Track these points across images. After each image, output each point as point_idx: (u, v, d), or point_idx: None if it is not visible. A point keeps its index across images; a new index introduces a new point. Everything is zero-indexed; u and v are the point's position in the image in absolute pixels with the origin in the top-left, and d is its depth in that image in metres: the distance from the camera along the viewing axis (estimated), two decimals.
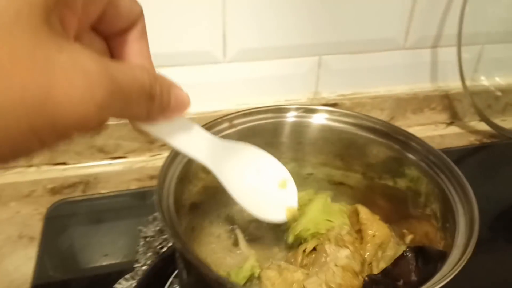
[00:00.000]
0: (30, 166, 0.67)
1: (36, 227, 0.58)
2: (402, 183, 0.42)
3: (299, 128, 0.44)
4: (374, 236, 0.41)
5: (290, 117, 0.44)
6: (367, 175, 0.44)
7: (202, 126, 0.42)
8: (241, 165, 0.36)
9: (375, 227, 0.41)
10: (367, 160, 0.44)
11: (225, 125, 0.42)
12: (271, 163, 0.39)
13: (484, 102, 0.80)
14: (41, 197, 0.63)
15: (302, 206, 0.43)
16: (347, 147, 0.44)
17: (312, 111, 0.44)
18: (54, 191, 0.64)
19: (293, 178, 0.47)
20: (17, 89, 0.17)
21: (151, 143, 0.71)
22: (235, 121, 0.43)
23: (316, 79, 0.73)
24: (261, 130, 0.42)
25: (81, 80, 0.19)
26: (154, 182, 0.66)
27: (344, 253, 0.37)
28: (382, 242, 0.42)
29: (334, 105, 0.75)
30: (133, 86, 0.23)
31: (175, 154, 0.38)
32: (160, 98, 0.26)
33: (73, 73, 0.19)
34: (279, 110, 0.44)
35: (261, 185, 0.37)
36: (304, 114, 0.44)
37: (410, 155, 0.41)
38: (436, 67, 0.78)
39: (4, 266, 0.53)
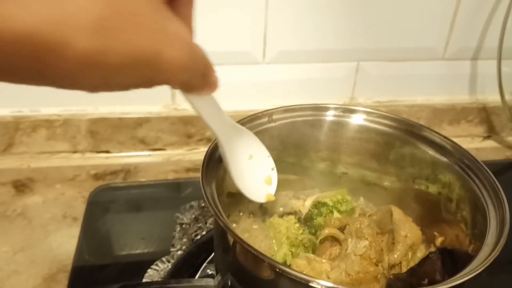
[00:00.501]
0: (75, 152, 0.71)
1: (79, 208, 0.62)
2: (435, 187, 0.43)
3: (336, 127, 0.46)
4: (405, 237, 0.42)
5: (329, 115, 0.46)
6: (401, 177, 0.45)
7: (243, 118, 0.45)
8: (240, 146, 0.41)
9: (408, 228, 0.42)
10: (402, 163, 0.45)
11: (265, 119, 0.44)
12: (263, 155, 0.43)
13: None
14: (85, 182, 0.67)
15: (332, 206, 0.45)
16: (383, 148, 0.45)
17: (351, 111, 0.46)
18: (97, 176, 0.68)
19: (327, 176, 0.49)
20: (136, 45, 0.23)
21: (189, 138, 0.73)
22: (275, 116, 0.45)
23: (353, 84, 0.75)
24: (300, 127, 0.44)
25: (181, 47, 0.26)
26: (190, 175, 0.69)
27: (363, 243, 0.39)
28: (413, 244, 0.42)
29: None
30: (201, 59, 0.29)
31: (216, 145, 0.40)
32: (206, 74, 0.31)
33: (177, 41, 0.25)
34: (319, 108, 0.46)
35: (250, 169, 0.42)
36: (342, 113, 0.46)
37: (444, 158, 0.42)
38: (475, 79, 0.77)
39: (49, 242, 0.57)
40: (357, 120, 0.45)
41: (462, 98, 0.78)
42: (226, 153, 0.39)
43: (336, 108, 0.46)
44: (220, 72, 0.68)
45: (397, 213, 0.44)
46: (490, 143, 0.81)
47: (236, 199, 0.45)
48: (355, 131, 0.46)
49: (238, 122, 0.43)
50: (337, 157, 0.48)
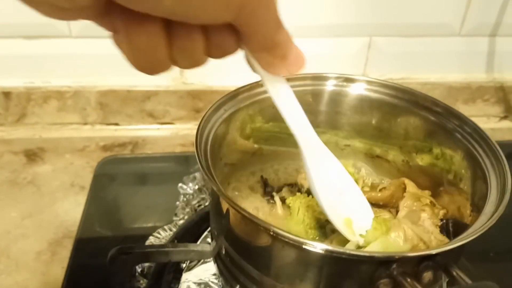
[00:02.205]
0: (85, 124, 0.72)
1: (87, 178, 0.63)
2: (437, 158, 0.42)
3: (337, 97, 0.45)
4: None
5: (330, 85, 0.45)
6: (404, 149, 0.44)
7: (241, 87, 0.44)
8: (330, 174, 0.37)
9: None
10: (404, 133, 0.44)
11: (263, 88, 0.43)
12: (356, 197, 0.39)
13: None
14: (93, 152, 0.68)
15: None
16: (385, 119, 0.44)
17: (351, 80, 0.44)
18: (105, 148, 0.69)
19: (331, 148, 0.48)
20: None
21: (197, 112, 0.73)
22: None
23: (365, 60, 0.73)
24: (300, 97, 0.43)
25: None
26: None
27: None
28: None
29: None
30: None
31: (215, 109, 0.40)
32: (283, 44, 0.27)
33: None
34: (319, 78, 0.45)
35: (336, 203, 0.38)
36: (343, 83, 0.45)
37: (445, 126, 0.40)
38: (492, 56, 0.75)
39: (56, 209, 0.58)
40: (357, 90, 0.44)
41: (479, 76, 0.76)
42: (311, 174, 0.35)
43: (336, 78, 0.45)
44: None
45: (411, 186, 0.43)
46: (506, 124, 0.78)
47: (235, 169, 0.45)
48: (356, 101, 0.44)
49: (236, 90, 0.43)
50: (340, 128, 0.47)
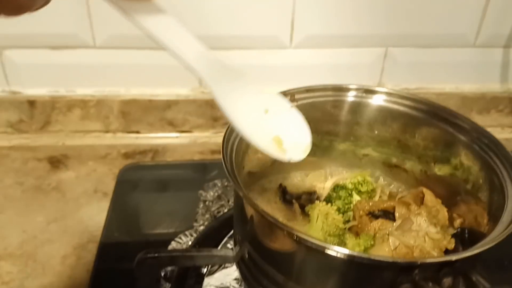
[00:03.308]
0: (107, 132, 0.74)
1: (109, 184, 0.65)
2: (455, 168, 0.43)
3: (357, 108, 0.46)
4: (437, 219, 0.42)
5: (350, 96, 0.46)
6: (422, 159, 0.45)
7: None
8: (245, 95, 0.34)
9: (439, 209, 0.42)
10: (423, 144, 0.45)
11: (287, 98, 0.45)
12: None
13: None
14: (115, 160, 0.70)
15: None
16: (404, 130, 0.45)
17: (372, 92, 0.46)
18: (127, 155, 0.71)
19: (349, 157, 0.49)
20: None
21: (215, 121, 0.75)
22: (297, 96, 0.45)
23: (380, 70, 0.74)
24: (321, 107, 0.44)
25: None
26: (215, 156, 0.71)
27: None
28: (441, 226, 0.42)
29: None
30: None
31: None
32: None
33: None
34: (340, 89, 0.46)
35: (259, 124, 0.35)
36: (363, 94, 0.46)
37: (463, 138, 0.41)
38: (507, 67, 0.76)
39: (80, 215, 0.60)
40: (377, 101, 0.45)
41: (493, 86, 0.77)
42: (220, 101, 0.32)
43: (357, 89, 0.46)
44: (247, 56, 0.71)
45: (429, 195, 0.43)
46: None
47: (256, 177, 0.46)
48: (376, 112, 0.46)
49: None
50: (359, 138, 0.48)
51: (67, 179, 0.66)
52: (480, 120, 0.78)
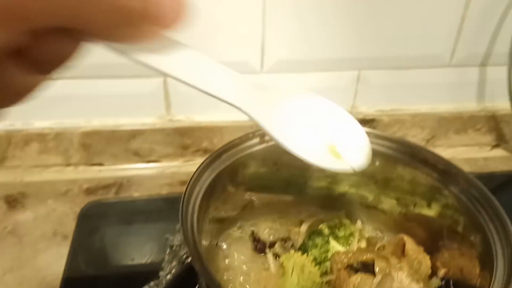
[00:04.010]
0: (68, 165, 0.69)
1: (70, 225, 0.60)
2: (438, 214, 0.40)
3: None
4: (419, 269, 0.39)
5: None
6: (401, 201, 0.43)
7: (232, 141, 0.42)
8: (287, 109, 0.29)
9: (420, 259, 0.39)
10: (402, 186, 0.42)
11: (256, 140, 0.41)
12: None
13: None
14: (77, 196, 0.65)
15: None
16: (381, 170, 0.42)
17: None
18: (89, 191, 0.66)
19: (324, 198, 0.46)
20: None
21: (185, 149, 0.71)
22: (267, 137, 0.42)
23: (354, 93, 0.72)
24: None
25: None
26: (184, 188, 0.67)
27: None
28: (425, 275, 0.40)
29: (372, 120, 0.73)
30: None
31: (202, 170, 0.38)
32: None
33: None
34: None
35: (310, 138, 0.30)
36: None
37: (449, 186, 0.39)
38: (483, 86, 0.74)
39: (38, 262, 0.55)
40: None
41: (470, 105, 0.75)
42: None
43: None
44: None
45: (410, 243, 0.41)
46: (499, 152, 0.77)
47: (226, 225, 0.43)
48: None
49: (226, 145, 0.41)
50: (334, 177, 0.45)
51: (25, 221, 0.61)
52: (457, 139, 0.77)
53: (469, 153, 0.77)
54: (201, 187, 0.36)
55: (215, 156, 0.39)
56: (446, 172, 0.39)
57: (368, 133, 0.42)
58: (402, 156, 0.41)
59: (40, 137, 0.67)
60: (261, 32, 0.64)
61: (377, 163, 0.41)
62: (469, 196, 0.37)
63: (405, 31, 0.66)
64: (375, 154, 0.42)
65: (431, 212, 0.40)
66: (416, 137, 0.75)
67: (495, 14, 0.68)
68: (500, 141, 0.78)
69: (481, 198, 0.36)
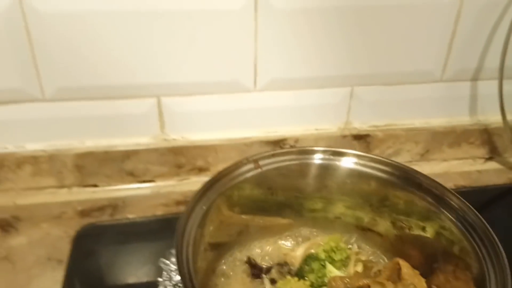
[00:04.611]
0: (62, 187, 0.69)
1: (64, 249, 0.59)
2: (433, 237, 0.40)
3: (326, 171, 0.43)
4: None
5: (317, 159, 0.43)
6: (396, 224, 0.43)
7: (226, 168, 0.42)
8: None
9: (416, 283, 0.39)
10: (397, 209, 0.42)
11: (250, 166, 0.41)
12: None
13: None
14: (71, 219, 0.64)
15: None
16: (376, 194, 0.42)
17: (340, 154, 0.43)
18: (83, 213, 0.66)
19: (320, 221, 0.46)
20: None
21: (179, 168, 0.71)
22: (261, 162, 0.42)
23: (347, 109, 0.72)
24: (287, 171, 0.41)
25: None
26: (180, 208, 0.67)
27: None
28: None
29: (366, 136, 0.73)
30: None
31: (198, 199, 0.38)
32: None
33: None
34: (305, 151, 0.43)
35: None
36: (331, 156, 0.43)
37: (444, 211, 0.39)
38: (475, 100, 0.75)
39: None
40: (347, 163, 0.43)
41: (463, 119, 0.76)
42: None
43: (324, 151, 0.43)
44: (211, 101, 0.67)
45: (406, 267, 0.41)
46: (492, 165, 0.78)
47: (221, 251, 0.42)
48: (346, 175, 0.43)
49: (220, 172, 0.41)
50: (329, 201, 0.45)
51: (18, 246, 0.61)
52: (451, 153, 0.77)
53: (463, 167, 0.77)
54: (196, 217, 0.36)
55: (209, 184, 0.39)
56: (441, 197, 0.39)
57: (363, 157, 0.42)
58: (395, 180, 0.41)
59: (33, 159, 0.66)
60: (253, 51, 0.64)
61: (372, 185, 0.41)
62: (463, 221, 0.37)
63: (397, 48, 0.67)
64: (368, 177, 0.42)
65: (427, 234, 0.40)
66: (410, 151, 0.76)
67: (485, 29, 0.68)
68: (493, 154, 0.78)
69: (475, 223, 0.36)
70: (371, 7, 0.63)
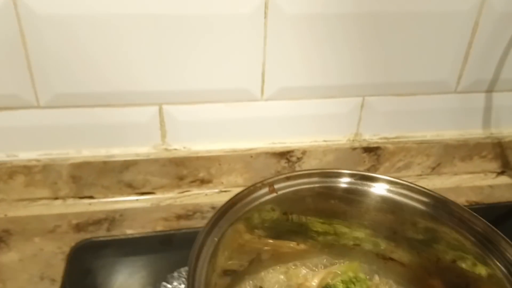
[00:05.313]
0: (56, 198, 0.65)
1: (58, 267, 0.56)
2: (459, 267, 0.37)
3: (349, 195, 0.40)
4: None
5: (341, 183, 0.40)
6: (423, 254, 0.40)
7: (241, 192, 0.39)
8: None
9: None
10: (423, 238, 0.39)
11: (265, 190, 0.38)
12: None
13: None
14: (66, 234, 0.61)
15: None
16: (403, 222, 0.39)
17: (369, 179, 0.40)
18: (78, 227, 0.62)
19: (337, 247, 0.43)
20: None
21: (181, 179, 0.68)
22: (276, 186, 0.39)
23: (358, 120, 0.69)
24: (304, 195, 0.38)
25: None
26: (181, 223, 0.63)
27: None
28: None
29: (376, 148, 0.70)
30: None
31: (209, 228, 0.34)
32: None
33: None
34: (325, 174, 0.40)
35: None
36: (357, 181, 0.40)
37: (471, 241, 0.36)
38: (489, 112, 0.72)
39: None
40: (374, 189, 0.39)
41: (476, 132, 0.73)
42: None
43: (352, 175, 0.40)
44: (217, 109, 0.64)
45: None
46: (505, 179, 0.75)
47: (235, 279, 0.39)
48: (370, 200, 0.40)
49: (234, 197, 0.37)
50: (349, 226, 0.42)
51: (9, 262, 0.57)
52: (462, 167, 0.75)
53: (474, 181, 0.74)
54: (207, 251, 0.33)
55: (220, 213, 0.35)
56: (469, 226, 0.36)
57: (391, 182, 0.39)
58: (425, 208, 0.38)
59: (26, 169, 0.62)
60: (261, 58, 0.61)
61: (405, 215, 0.38)
62: (491, 249, 0.34)
63: (411, 57, 0.64)
64: (394, 203, 0.39)
65: (453, 265, 0.37)
66: (421, 164, 0.73)
67: (502, 40, 0.66)
68: (505, 168, 0.76)
69: (503, 250, 0.33)
70: (387, 14, 0.60)
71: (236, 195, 0.37)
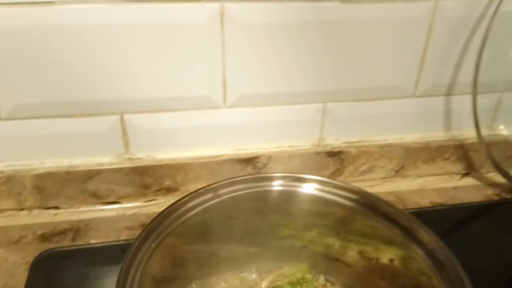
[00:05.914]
0: (21, 209, 0.65)
1: (21, 277, 0.56)
2: (402, 268, 0.38)
3: (288, 198, 0.41)
4: None
5: (277, 186, 0.41)
6: (364, 254, 0.41)
7: (185, 197, 0.40)
8: None
9: None
10: (364, 239, 0.40)
11: (209, 195, 0.39)
12: None
13: (503, 153, 0.75)
14: (30, 244, 0.61)
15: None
16: (342, 222, 0.40)
17: (302, 180, 0.41)
18: (43, 237, 0.62)
19: (286, 250, 0.44)
20: None
21: (146, 188, 0.68)
22: (221, 191, 0.40)
23: (320, 125, 0.70)
24: (248, 200, 0.39)
25: None
26: None
27: None
28: None
29: (339, 152, 0.71)
30: None
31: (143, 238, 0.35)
32: None
33: None
34: (265, 179, 0.41)
35: None
36: (293, 183, 0.41)
37: (412, 245, 0.37)
38: (449, 115, 0.73)
39: None
40: (309, 190, 0.40)
41: (437, 135, 0.74)
42: None
43: (284, 178, 0.41)
44: (180, 117, 0.64)
45: None
46: (469, 181, 0.77)
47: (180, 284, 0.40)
48: (309, 202, 0.41)
49: (179, 200, 0.38)
50: (294, 229, 0.43)
51: None
52: (426, 169, 0.76)
53: (439, 183, 0.76)
54: (143, 255, 0.34)
55: (159, 219, 0.36)
56: (409, 230, 0.37)
57: (323, 183, 0.40)
58: (360, 208, 0.39)
59: None
60: (221, 66, 0.62)
61: (337, 213, 0.39)
62: (433, 258, 0.35)
63: (369, 63, 0.65)
64: (332, 204, 0.40)
65: (396, 266, 0.38)
66: (385, 167, 0.74)
67: (457, 44, 0.67)
68: (470, 169, 0.77)
69: (446, 263, 0.34)
70: (344, 22, 0.62)
71: (179, 199, 0.38)
